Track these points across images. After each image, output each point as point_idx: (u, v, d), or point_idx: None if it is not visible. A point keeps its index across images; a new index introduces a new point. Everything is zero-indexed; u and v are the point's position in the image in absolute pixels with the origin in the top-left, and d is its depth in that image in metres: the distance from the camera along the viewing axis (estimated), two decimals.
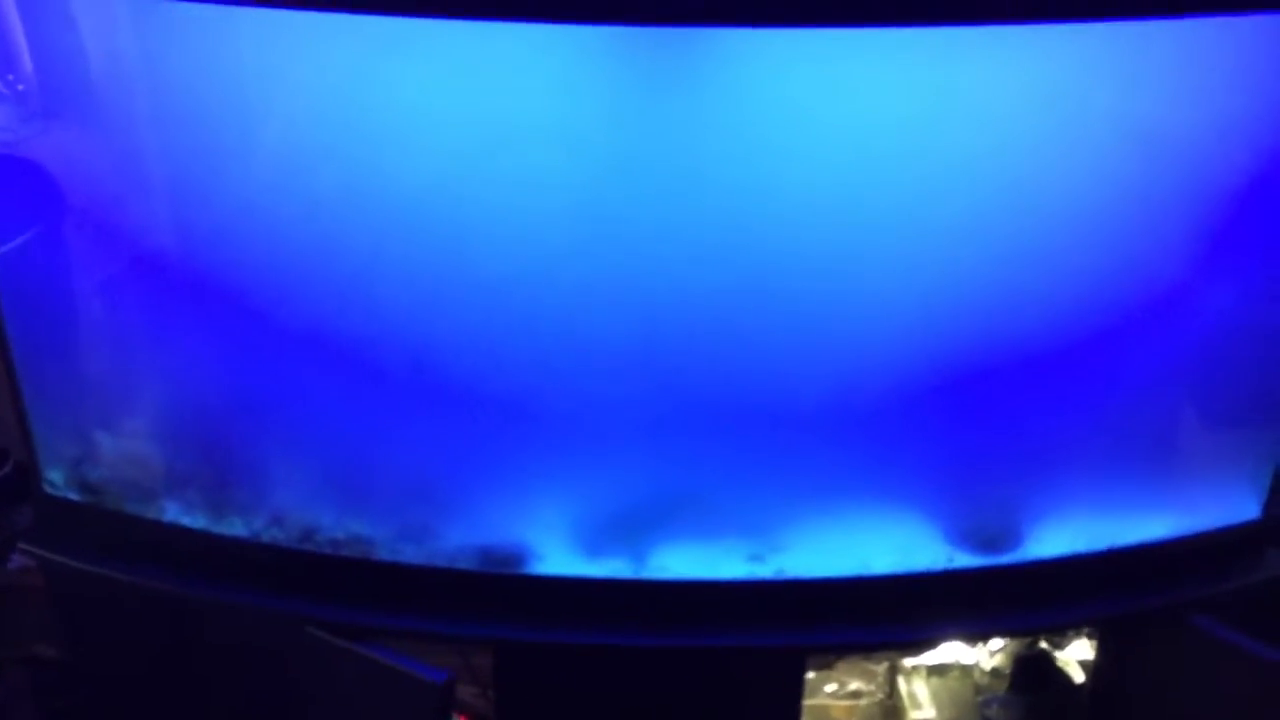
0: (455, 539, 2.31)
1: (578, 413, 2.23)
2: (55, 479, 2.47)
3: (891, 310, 2.15)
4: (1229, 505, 2.42)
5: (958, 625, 2.34)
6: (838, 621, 2.29)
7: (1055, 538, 2.34)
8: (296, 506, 2.34)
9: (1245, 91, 2.06)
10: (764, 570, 2.28)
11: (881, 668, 2.90)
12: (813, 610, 2.29)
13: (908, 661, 2.87)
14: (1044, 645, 2.77)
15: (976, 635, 2.59)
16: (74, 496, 2.46)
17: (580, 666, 2.36)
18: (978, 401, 2.24)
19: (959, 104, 2.01)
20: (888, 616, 2.29)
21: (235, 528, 2.36)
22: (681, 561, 2.29)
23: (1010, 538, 2.33)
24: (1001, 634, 2.62)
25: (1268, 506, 2.43)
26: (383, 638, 2.26)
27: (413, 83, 2.00)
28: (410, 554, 2.32)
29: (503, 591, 2.30)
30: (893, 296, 2.14)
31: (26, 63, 2.23)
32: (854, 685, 2.94)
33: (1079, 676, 2.75)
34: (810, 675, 2.73)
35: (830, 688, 2.92)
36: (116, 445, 2.42)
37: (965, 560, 2.31)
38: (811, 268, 2.12)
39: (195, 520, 2.38)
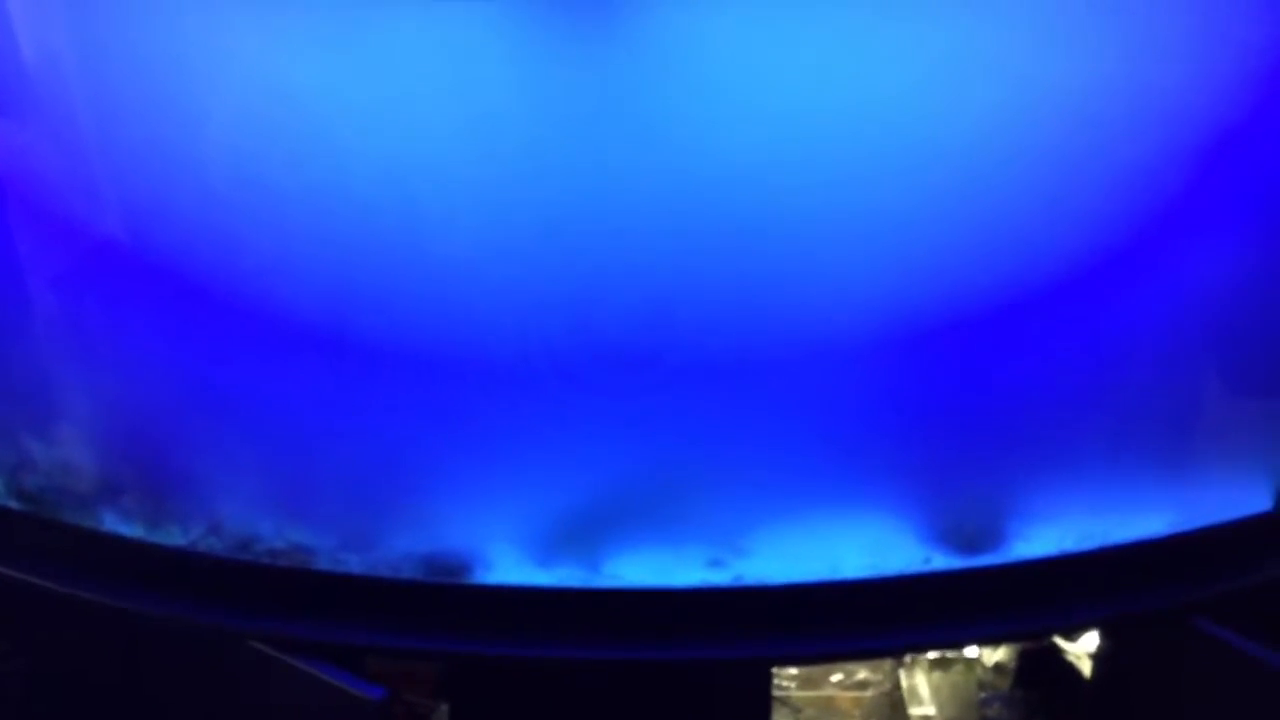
0: (399, 546, 2.18)
1: (523, 408, 2.09)
2: None
3: (846, 267, 1.99)
4: (1236, 497, 2.20)
5: (936, 632, 2.15)
6: (805, 630, 2.12)
7: (1042, 535, 2.14)
8: (234, 513, 2.22)
9: None
10: (721, 577, 2.12)
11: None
12: (776, 618, 2.12)
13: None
14: (1053, 638, 2.59)
15: (956, 643, 2.40)
16: (14, 505, 2.36)
17: (532, 680, 2.23)
18: (950, 381, 2.06)
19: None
20: (860, 624, 2.12)
21: (172, 537, 2.25)
22: (636, 569, 2.13)
23: (992, 536, 2.14)
24: (983, 641, 2.44)
25: None
26: (325, 652, 2.12)
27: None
28: (353, 563, 2.19)
29: (449, 602, 2.17)
30: (848, 250, 1.98)
31: None
32: (862, 675, 2.80)
33: (1089, 672, 2.56)
34: None
35: (837, 677, 2.78)
36: (49, 452, 2.32)
37: (943, 562, 2.13)
38: (756, 225, 1.96)
39: (132, 529, 2.28)
